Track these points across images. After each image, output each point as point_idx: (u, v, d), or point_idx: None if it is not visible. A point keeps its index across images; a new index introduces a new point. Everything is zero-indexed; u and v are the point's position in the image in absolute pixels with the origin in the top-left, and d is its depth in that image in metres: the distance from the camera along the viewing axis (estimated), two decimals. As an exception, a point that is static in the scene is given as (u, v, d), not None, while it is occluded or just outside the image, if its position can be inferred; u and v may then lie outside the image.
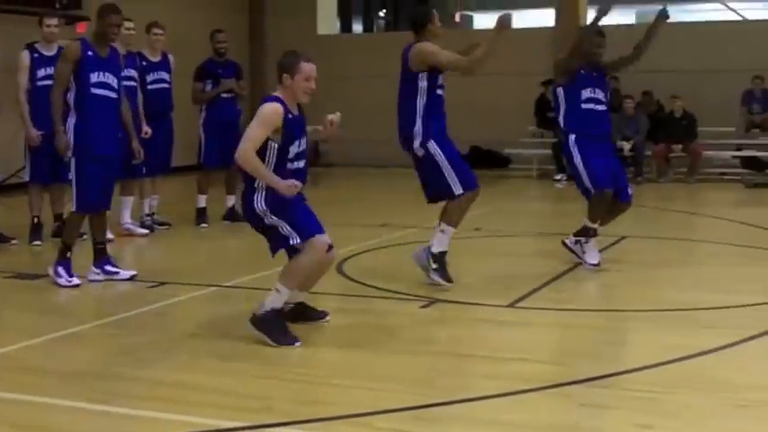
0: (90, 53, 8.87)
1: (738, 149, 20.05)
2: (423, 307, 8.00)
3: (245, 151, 6.61)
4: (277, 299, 6.82)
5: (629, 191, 9.61)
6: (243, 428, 5.17)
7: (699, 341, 6.75)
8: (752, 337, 6.89)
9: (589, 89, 9.52)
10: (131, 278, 9.15)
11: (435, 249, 8.54)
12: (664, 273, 9.63)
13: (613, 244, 11.03)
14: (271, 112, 6.69)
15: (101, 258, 9.22)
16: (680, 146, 19.17)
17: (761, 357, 6.56)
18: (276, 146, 6.70)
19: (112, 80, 9.00)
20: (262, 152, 6.68)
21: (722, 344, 6.70)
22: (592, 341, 7.19)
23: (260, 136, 6.65)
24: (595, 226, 9.62)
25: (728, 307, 7.94)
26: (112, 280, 9.08)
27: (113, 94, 9.03)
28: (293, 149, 6.76)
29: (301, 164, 6.88)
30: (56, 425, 5.34)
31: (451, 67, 8.46)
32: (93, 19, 9.36)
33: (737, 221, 13.30)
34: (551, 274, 9.34)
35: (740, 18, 25.50)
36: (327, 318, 7.34)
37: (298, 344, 6.68)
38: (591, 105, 9.52)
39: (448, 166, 8.45)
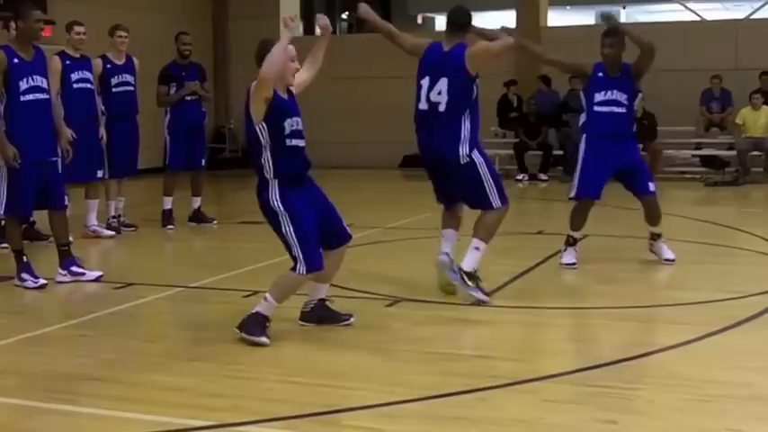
0: (16, 60, 8.82)
1: (698, 148, 20.23)
2: (388, 306, 8.05)
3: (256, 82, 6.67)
4: (264, 307, 6.87)
5: (650, 186, 9.76)
6: (211, 427, 5.20)
7: (660, 338, 6.85)
8: (712, 333, 6.98)
9: (603, 92, 9.61)
10: (98, 279, 9.16)
11: (469, 267, 8.12)
12: (625, 270, 9.71)
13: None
14: (258, 85, 6.70)
15: (65, 259, 9.22)
16: (640, 145, 19.27)
17: (721, 353, 6.65)
18: (266, 126, 6.72)
19: (42, 81, 8.97)
20: (256, 139, 6.76)
21: (683, 340, 6.79)
22: (556, 338, 7.27)
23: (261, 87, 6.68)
24: (576, 235, 9.87)
25: (689, 303, 8.03)
26: (79, 281, 9.09)
27: (44, 95, 9.01)
28: (288, 125, 6.78)
29: (300, 142, 6.88)
30: (24, 426, 5.37)
31: (503, 53, 8.40)
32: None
33: (697, 219, 13.45)
34: (515, 272, 9.41)
35: (698, 18, 25.74)
36: (351, 320, 7.30)
37: (265, 339, 6.73)
38: (605, 108, 9.61)
39: (489, 178, 8.15)
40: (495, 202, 8.13)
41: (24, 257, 8.97)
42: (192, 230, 12.94)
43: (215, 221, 13.17)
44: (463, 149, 8.07)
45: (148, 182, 15.06)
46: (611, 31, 9.71)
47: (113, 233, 12.09)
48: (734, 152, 19.02)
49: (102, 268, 9.46)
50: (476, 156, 8.13)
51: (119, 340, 7.16)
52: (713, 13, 28.13)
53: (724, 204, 16.03)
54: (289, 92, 6.93)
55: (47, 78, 9.06)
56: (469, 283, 8.06)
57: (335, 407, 5.50)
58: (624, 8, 32.47)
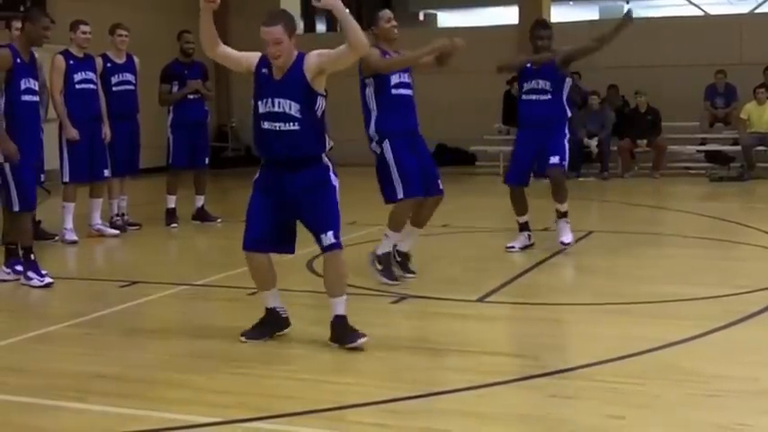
0: (18, 60, 8.97)
1: (702, 144, 20.20)
2: (393, 302, 8.06)
3: None
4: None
5: (552, 159, 10.03)
6: (216, 424, 5.21)
7: (666, 333, 6.83)
8: (718, 328, 6.98)
9: (533, 81, 10.05)
10: (47, 285, 8.94)
11: (379, 251, 8.73)
12: (630, 266, 9.71)
13: (581, 239, 11.13)
14: (250, 54, 6.75)
15: (11, 259, 9.23)
16: (645, 141, 19.29)
17: (728, 348, 6.64)
18: (252, 104, 6.68)
19: (34, 84, 9.13)
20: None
21: (689, 335, 6.79)
22: (560, 334, 7.27)
23: (231, 52, 6.83)
24: (521, 220, 10.49)
25: (694, 299, 8.04)
26: (29, 285, 8.94)
27: (36, 98, 9.17)
28: (261, 106, 6.59)
29: (272, 125, 6.56)
30: (32, 423, 5.36)
31: (372, 68, 8.41)
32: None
33: (702, 215, 13.42)
34: (519, 268, 9.43)
35: (702, 13, 25.70)
36: (359, 342, 6.60)
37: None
38: (532, 96, 10.08)
39: (395, 170, 8.44)
40: (399, 194, 8.50)
41: (32, 255, 8.97)
42: (195, 229, 12.95)
43: (219, 220, 13.18)
44: (372, 141, 8.56)
45: (152, 181, 15.10)
46: (546, 25, 10.32)
47: (117, 232, 12.09)
48: (738, 147, 19.00)
49: (107, 267, 9.50)
50: (386, 147, 8.50)
51: (124, 338, 7.17)
52: (717, 7, 28.06)
53: (729, 200, 15.99)
54: (287, 71, 6.59)
55: (38, 82, 9.23)
56: (378, 266, 8.72)
57: (340, 403, 5.50)
58: (628, 3, 32.45)
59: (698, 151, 20.15)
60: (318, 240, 6.69)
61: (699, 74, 20.01)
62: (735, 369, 6.07)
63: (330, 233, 6.62)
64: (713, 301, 7.94)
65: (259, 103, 6.60)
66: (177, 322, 7.77)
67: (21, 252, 9.03)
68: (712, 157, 19.83)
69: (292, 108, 6.56)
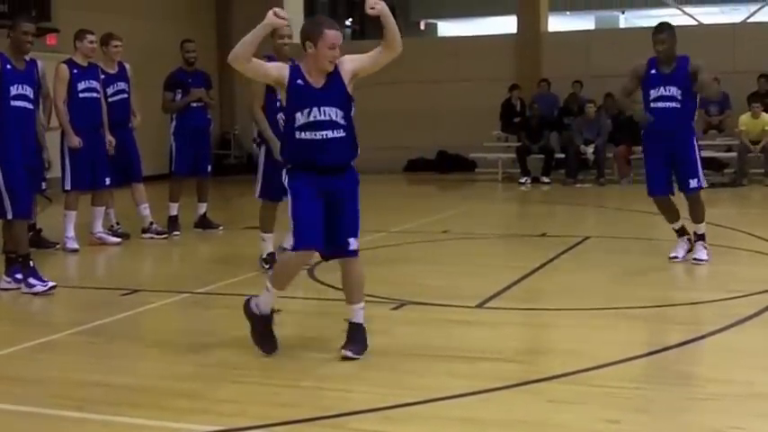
0: (8, 66, 9.08)
1: (697, 150, 20.25)
2: (393, 309, 8.10)
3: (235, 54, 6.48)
4: (264, 297, 6.72)
5: (690, 183, 10.04)
6: (218, 432, 5.23)
7: (662, 337, 6.90)
8: (713, 333, 7.04)
9: (660, 88, 9.82)
10: (50, 289, 9.00)
11: (264, 254, 9.79)
12: (626, 271, 9.76)
13: (577, 244, 11.18)
14: (278, 65, 6.68)
15: (12, 267, 9.24)
16: (640, 147, 19.28)
17: (723, 352, 6.69)
18: (283, 115, 6.65)
19: (29, 92, 9.21)
20: (279, 126, 6.65)
21: (685, 339, 6.85)
22: (559, 339, 7.31)
23: (260, 64, 6.56)
24: (676, 226, 10.23)
25: (689, 303, 8.11)
26: (32, 292, 8.97)
27: (30, 106, 9.24)
28: (300, 118, 6.44)
29: (316, 135, 6.42)
30: (34, 432, 5.40)
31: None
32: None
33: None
34: (519, 274, 9.46)
35: (696, 23, 25.78)
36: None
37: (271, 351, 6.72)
38: (659, 104, 9.80)
39: (261, 172, 9.75)
40: (255, 194, 9.88)
41: (31, 262, 9.02)
42: (198, 236, 12.99)
43: (221, 227, 13.22)
44: (255, 143, 9.87)
45: (154, 188, 15.10)
46: (659, 29, 9.99)
47: (119, 240, 12.13)
48: (732, 154, 19.11)
49: (109, 275, 9.52)
50: (262, 151, 9.73)
51: (126, 346, 7.21)
52: (711, 17, 28.18)
53: (722, 206, 16.03)
54: (328, 79, 6.49)
55: (34, 91, 9.31)
56: (265, 266, 9.63)
57: (341, 410, 5.52)
58: (623, 13, 32.51)
59: (692, 158, 20.19)
60: (344, 244, 6.59)
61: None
62: (730, 373, 6.12)
63: (355, 239, 6.62)
64: (708, 305, 8.01)
65: (298, 114, 6.45)
66: (179, 330, 7.81)
67: (19, 260, 9.09)
68: (706, 163, 19.86)
69: (337, 115, 6.48)
